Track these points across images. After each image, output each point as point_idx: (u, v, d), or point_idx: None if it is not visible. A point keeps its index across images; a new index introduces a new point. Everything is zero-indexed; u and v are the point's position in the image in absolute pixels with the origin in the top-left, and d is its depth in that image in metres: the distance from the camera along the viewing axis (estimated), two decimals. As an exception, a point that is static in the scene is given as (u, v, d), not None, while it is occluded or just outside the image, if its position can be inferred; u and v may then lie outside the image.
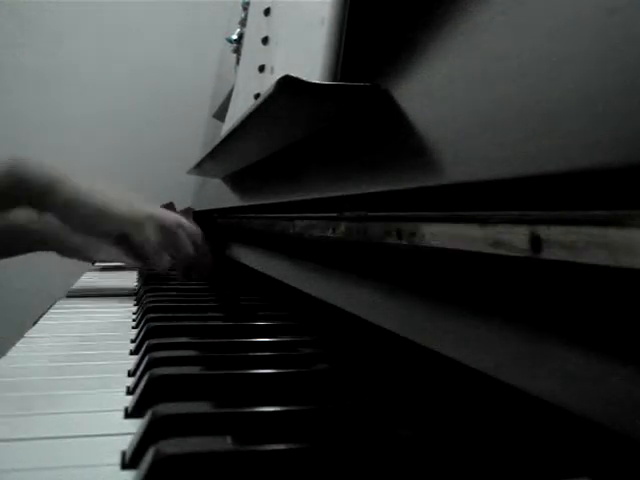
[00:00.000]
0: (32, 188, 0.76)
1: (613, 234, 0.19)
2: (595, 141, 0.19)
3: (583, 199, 0.21)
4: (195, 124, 1.59)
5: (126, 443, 0.30)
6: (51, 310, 0.75)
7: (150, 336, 0.51)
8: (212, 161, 0.87)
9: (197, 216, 1.26)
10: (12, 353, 0.51)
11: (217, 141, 0.73)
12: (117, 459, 0.29)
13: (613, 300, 0.20)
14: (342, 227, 0.43)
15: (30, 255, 0.97)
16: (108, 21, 1.79)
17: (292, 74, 0.39)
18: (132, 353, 0.51)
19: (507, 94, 0.25)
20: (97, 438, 0.32)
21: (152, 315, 0.60)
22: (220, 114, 1.05)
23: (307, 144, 0.53)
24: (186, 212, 1.30)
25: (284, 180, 0.61)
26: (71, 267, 1.11)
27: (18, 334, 0.58)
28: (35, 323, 0.66)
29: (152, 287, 0.86)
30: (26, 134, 1.71)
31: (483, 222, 0.25)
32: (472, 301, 0.28)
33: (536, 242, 0.22)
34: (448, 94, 0.30)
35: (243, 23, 0.87)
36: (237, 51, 0.91)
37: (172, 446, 0.26)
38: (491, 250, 0.25)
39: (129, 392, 0.40)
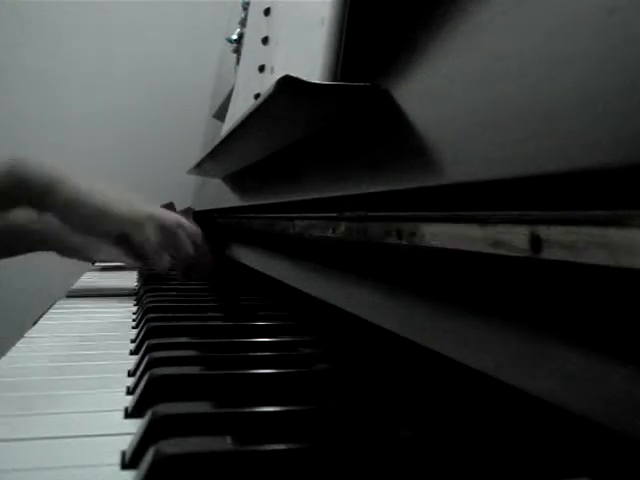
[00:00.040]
0: (32, 188, 0.76)
1: (613, 234, 0.19)
2: (595, 141, 0.19)
3: (583, 199, 0.21)
4: (195, 124, 1.59)
5: (126, 443, 0.30)
6: (51, 310, 0.75)
7: (150, 336, 0.51)
8: (212, 161, 0.87)
9: (197, 216, 1.26)
10: (12, 353, 0.51)
11: (217, 141, 0.73)
12: (117, 459, 0.29)
13: (613, 300, 0.20)
14: (342, 227, 0.43)
15: (30, 255, 0.97)
16: (108, 21, 1.79)
17: (292, 74, 0.39)
18: (132, 353, 0.51)
19: (507, 94, 0.25)
20: (97, 438, 0.32)
21: (152, 315, 0.60)
22: (220, 114, 1.05)
23: (307, 144, 0.53)
24: (186, 212, 1.30)
25: (284, 180, 0.61)
26: (71, 267, 1.11)
27: (18, 334, 0.58)
28: (35, 323, 0.66)
29: (152, 287, 0.86)
30: (26, 134, 1.71)
31: (483, 222, 0.25)
32: (472, 301, 0.28)
33: (536, 242, 0.22)
34: (448, 94, 0.30)
35: (243, 23, 0.87)
36: (237, 51, 0.91)
37: (172, 446, 0.26)
38: (491, 250, 0.25)
39: (129, 392, 0.40)
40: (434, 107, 0.32)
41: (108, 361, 0.48)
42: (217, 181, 1.08)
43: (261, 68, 0.67)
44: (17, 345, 0.54)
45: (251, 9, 0.83)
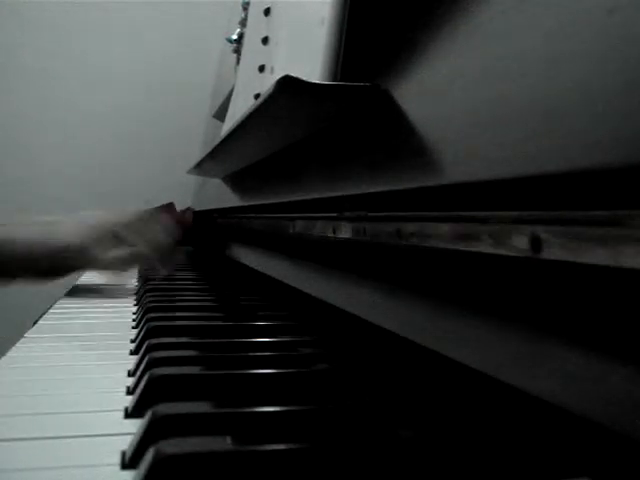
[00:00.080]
0: None
1: (613, 234, 0.19)
2: (595, 141, 0.19)
3: (583, 199, 0.21)
4: (195, 124, 1.59)
5: (126, 443, 0.30)
6: (51, 310, 0.75)
7: (150, 336, 0.51)
8: (212, 161, 0.87)
9: (197, 216, 1.26)
10: (12, 353, 0.51)
11: (217, 141, 0.73)
12: (117, 459, 0.29)
13: (613, 300, 0.20)
14: (342, 227, 0.43)
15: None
16: (108, 21, 1.79)
17: (292, 74, 0.39)
18: (132, 353, 0.51)
19: (507, 94, 0.25)
20: (97, 438, 0.32)
21: (152, 315, 0.60)
22: (220, 114, 1.05)
23: (307, 144, 0.53)
24: (186, 212, 1.30)
25: (284, 180, 0.61)
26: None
27: (18, 334, 0.58)
28: (35, 323, 0.66)
29: (152, 287, 0.86)
30: (27, 133, 1.71)
31: (483, 222, 0.25)
32: (472, 301, 0.28)
33: (536, 242, 0.22)
34: (448, 94, 0.30)
35: (243, 23, 0.87)
36: (237, 51, 0.91)
37: (172, 446, 0.26)
38: (491, 250, 0.25)
39: (129, 392, 0.40)
40: (434, 107, 0.32)
41: (108, 361, 0.48)
42: (217, 181, 1.08)
43: (261, 68, 0.67)
44: (17, 345, 0.54)
45: (251, 9, 0.83)
